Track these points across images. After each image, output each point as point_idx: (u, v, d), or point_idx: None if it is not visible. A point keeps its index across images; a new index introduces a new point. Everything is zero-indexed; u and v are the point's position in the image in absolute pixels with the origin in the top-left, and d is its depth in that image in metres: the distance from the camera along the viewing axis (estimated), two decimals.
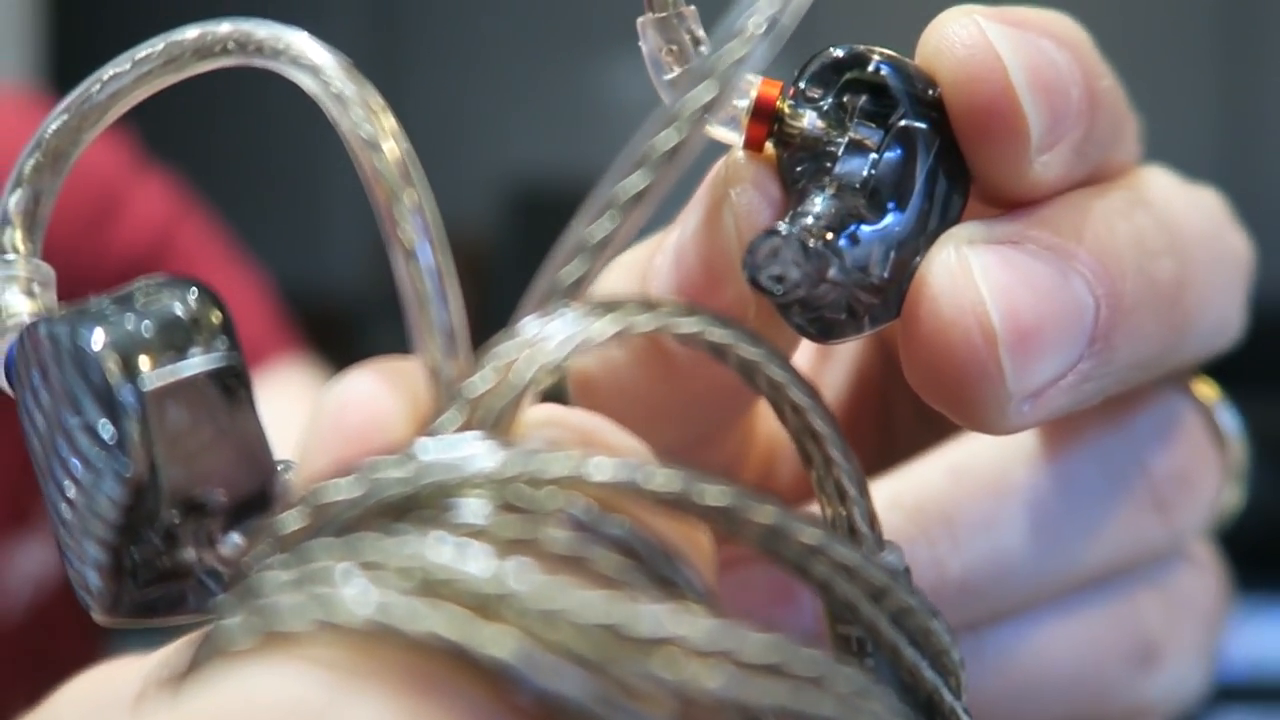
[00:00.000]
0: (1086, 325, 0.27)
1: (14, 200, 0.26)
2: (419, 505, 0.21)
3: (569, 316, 0.23)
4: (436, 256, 0.23)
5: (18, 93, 1.06)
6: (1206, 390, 0.34)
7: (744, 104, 0.27)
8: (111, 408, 0.22)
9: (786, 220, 0.26)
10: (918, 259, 0.27)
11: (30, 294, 0.25)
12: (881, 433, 0.36)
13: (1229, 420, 0.34)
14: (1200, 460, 0.33)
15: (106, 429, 0.22)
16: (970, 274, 0.26)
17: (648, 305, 0.24)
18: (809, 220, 0.26)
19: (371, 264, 2.94)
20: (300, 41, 0.24)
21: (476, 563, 0.19)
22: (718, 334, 0.24)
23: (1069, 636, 0.32)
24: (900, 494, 0.32)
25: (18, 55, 2.14)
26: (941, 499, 0.32)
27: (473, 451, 0.21)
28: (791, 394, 0.25)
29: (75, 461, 0.22)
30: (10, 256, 0.25)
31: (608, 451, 0.21)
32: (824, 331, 0.27)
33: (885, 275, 0.27)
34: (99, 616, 0.23)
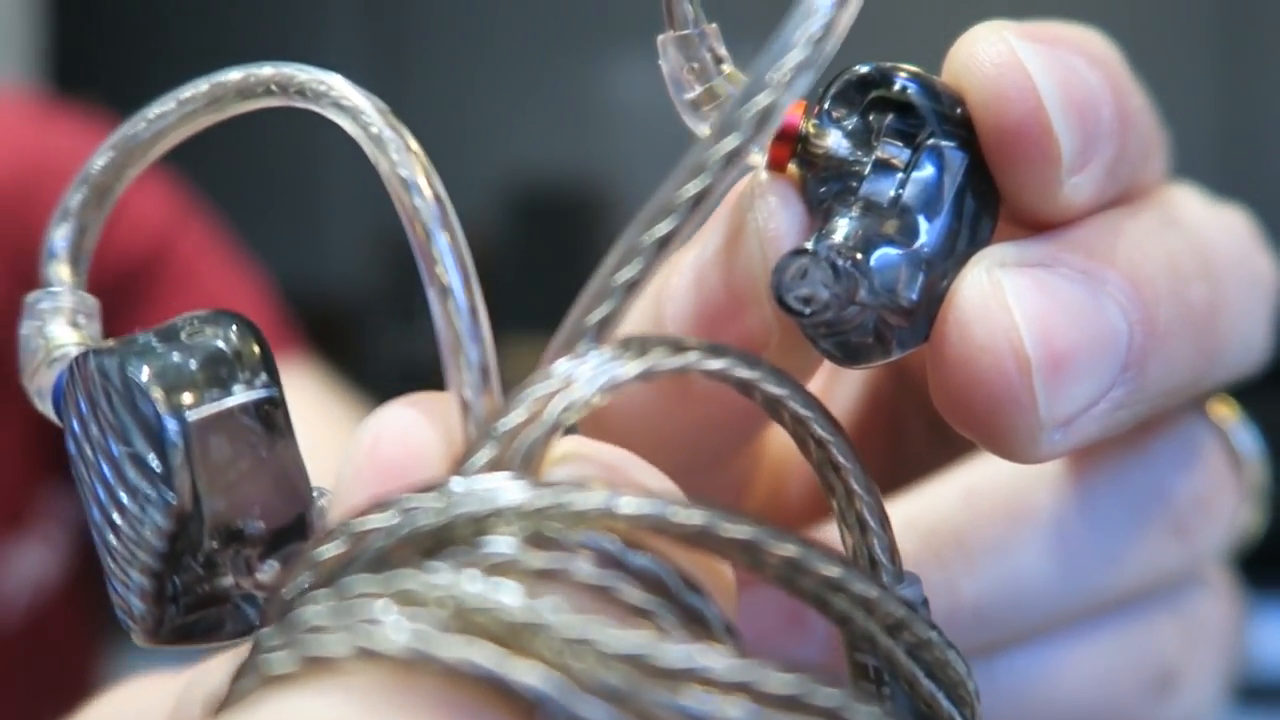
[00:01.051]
0: (1120, 351, 0.26)
1: (60, 234, 0.27)
2: (451, 538, 0.21)
3: (597, 358, 0.24)
4: (471, 296, 0.24)
5: (18, 93, 1.06)
6: (1224, 410, 0.34)
7: (757, 147, 0.26)
8: (158, 440, 0.23)
9: (813, 240, 0.26)
10: (946, 281, 0.26)
11: (75, 325, 0.26)
12: (892, 450, 0.36)
13: (1247, 441, 0.34)
14: (1220, 484, 0.33)
15: (153, 460, 0.23)
16: (1003, 297, 0.26)
17: (676, 346, 0.24)
18: (837, 240, 0.26)
19: (371, 264, 2.95)
20: (340, 85, 0.25)
21: (508, 595, 0.20)
22: (744, 373, 0.25)
23: (1085, 663, 0.32)
24: (914, 516, 0.31)
25: (19, 55, 2.15)
26: (956, 522, 0.31)
27: (504, 486, 0.22)
28: (815, 429, 0.25)
29: (122, 492, 0.23)
30: (57, 289, 0.26)
31: (634, 486, 0.22)
32: (851, 356, 0.27)
33: (914, 298, 0.26)
34: (140, 640, 0.24)
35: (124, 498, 0.23)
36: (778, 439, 0.34)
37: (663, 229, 0.25)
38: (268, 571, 0.24)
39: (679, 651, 0.20)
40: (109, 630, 0.96)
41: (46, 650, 0.87)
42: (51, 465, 0.86)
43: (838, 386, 0.36)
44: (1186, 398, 0.31)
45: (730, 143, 0.25)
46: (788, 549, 0.23)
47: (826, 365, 0.35)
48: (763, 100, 0.25)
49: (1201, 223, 0.30)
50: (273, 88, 0.25)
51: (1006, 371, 0.25)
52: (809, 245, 0.25)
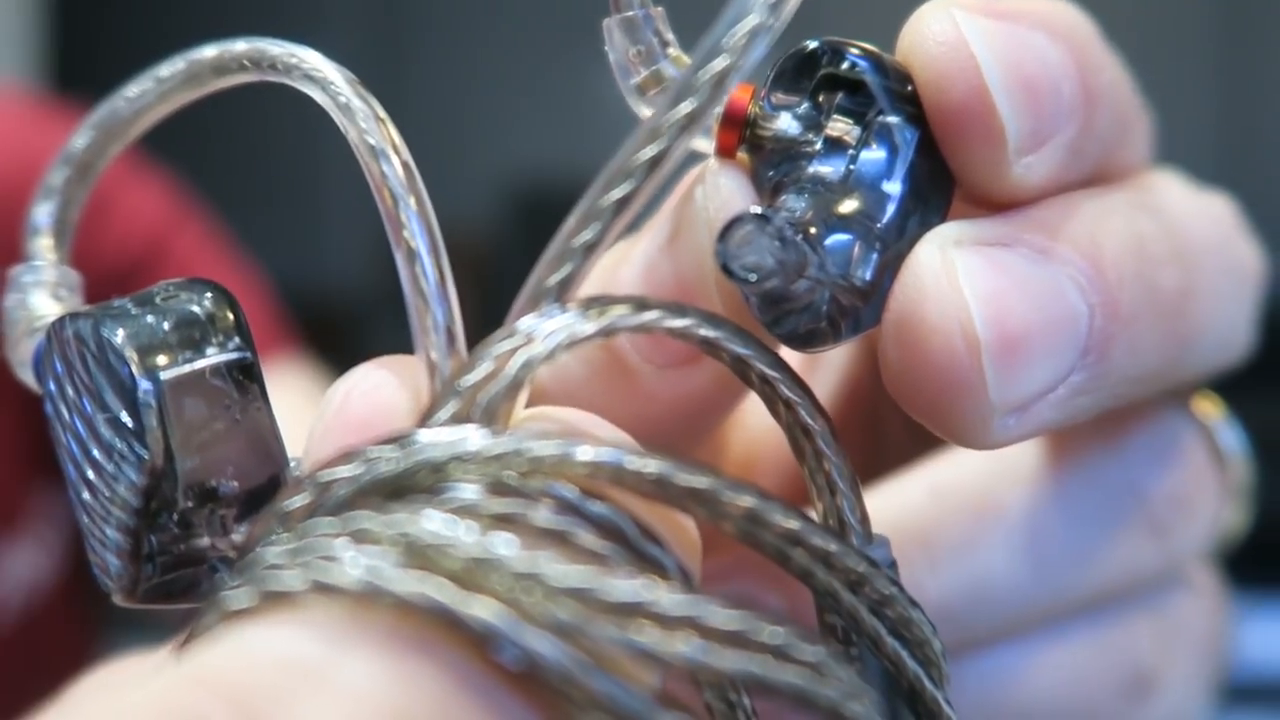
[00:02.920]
0: (1079, 335, 0.26)
1: (44, 211, 0.28)
2: (412, 486, 0.22)
3: (560, 315, 0.24)
4: (437, 259, 0.24)
5: (21, 92, 1.07)
6: (1208, 408, 0.33)
7: (715, 110, 0.26)
8: (131, 399, 0.24)
9: (761, 209, 0.25)
10: (901, 260, 0.26)
11: (57, 298, 0.27)
12: (870, 444, 0.36)
13: (1231, 439, 0.33)
14: (1200, 483, 0.32)
15: (127, 419, 0.24)
16: (955, 276, 0.25)
17: (638, 305, 0.25)
18: (785, 214, 0.25)
19: (370, 264, 2.95)
20: (311, 58, 0.25)
21: (463, 533, 0.20)
22: (709, 331, 0.25)
23: (1056, 666, 0.31)
24: (879, 513, 0.30)
25: (21, 55, 2.17)
26: (920, 519, 0.31)
27: (464, 435, 0.22)
28: (783, 390, 0.26)
29: (97, 450, 0.24)
30: (39, 262, 0.27)
31: (593, 440, 0.23)
32: (803, 339, 0.26)
33: (868, 277, 0.25)
34: (118, 599, 0.25)
35: (99, 455, 0.24)
36: (743, 435, 0.34)
37: (620, 192, 0.25)
38: (242, 532, 0.25)
39: (626, 586, 0.20)
40: (103, 631, 0.97)
41: (40, 652, 0.87)
42: (44, 466, 0.86)
43: (814, 379, 0.35)
44: (1158, 387, 0.30)
45: (686, 107, 0.25)
46: (745, 500, 0.23)
47: (802, 362, 0.35)
48: (719, 65, 0.25)
49: (1177, 206, 0.29)
50: (246, 63, 0.26)
51: (955, 353, 0.25)
52: (755, 209, 0.25)
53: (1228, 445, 0.33)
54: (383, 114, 0.25)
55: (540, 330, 0.24)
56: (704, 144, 0.27)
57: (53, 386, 0.25)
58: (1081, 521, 0.31)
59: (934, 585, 0.30)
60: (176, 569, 0.25)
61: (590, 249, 0.25)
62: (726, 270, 0.24)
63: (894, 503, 0.31)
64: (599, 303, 0.25)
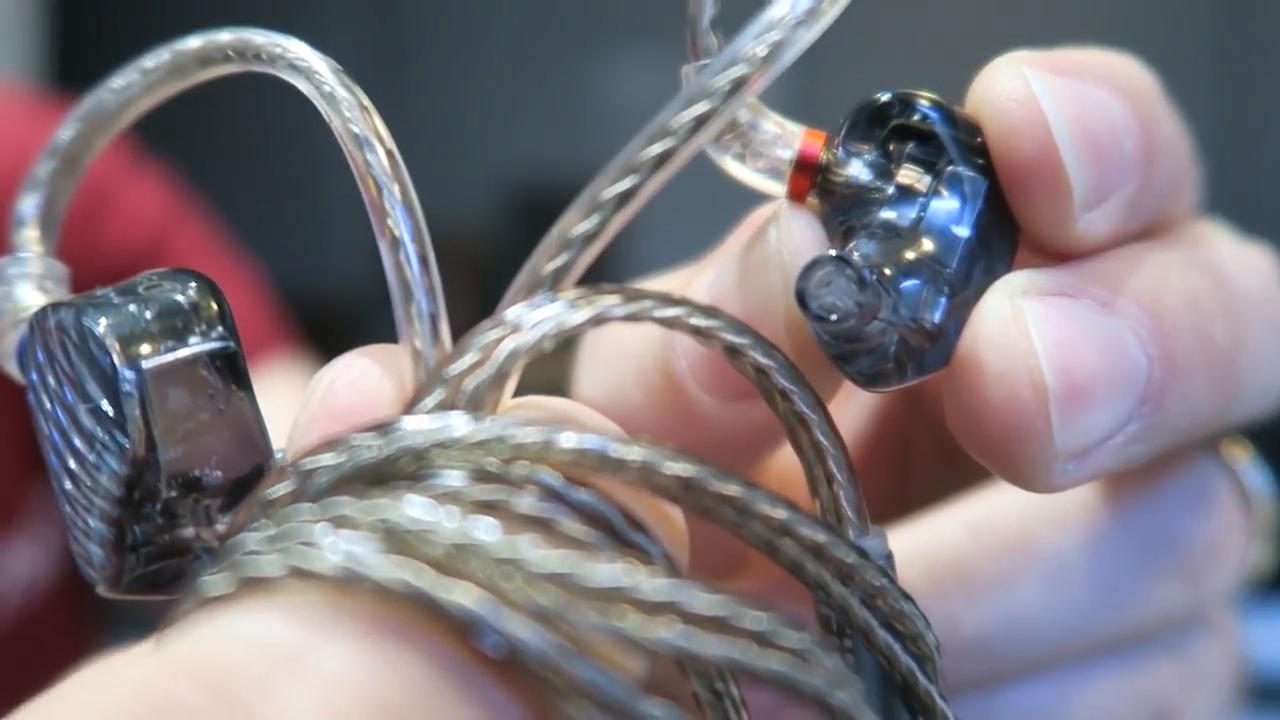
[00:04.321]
0: (1139, 385, 0.26)
1: (30, 202, 0.27)
2: (395, 473, 0.22)
3: (549, 305, 0.24)
4: (421, 247, 0.24)
5: (20, 90, 1.08)
6: (1236, 451, 0.33)
7: (787, 155, 0.27)
8: (113, 388, 0.23)
9: (839, 251, 0.26)
10: (967, 307, 0.26)
11: (43, 290, 0.27)
12: (900, 473, 0.36)
13: (1258, 480, 0.33)
14: (1230, 528, 0.32)
15: (108, 408, 0.23)
16: (1024, 324, 0.26)
17: (629, 295, 0.25)
18: (861, 257, 0.26)
19: (369, 264, 2.96)
20: (296, 47, 0.25)
21: (444, 519, 0.20)
22: (701, 320, 0.25)
23: (1083, 702, 0.32)
24: (917, 547, 0.31)
25: (21, 53, 2.18)
26: (959, 554, 0.31)
27: (447, 423, 0.22)
28: (778, 380, 0.26)
29: (79, 439, 0.24)
30: (25, 254, 0.27)
31: (578, 427, 0.23)
32: (871, 378, 0.27)
33: (938, 320, 0.26)
34: (103, 589, 0.25)
35: (80, 445, 0.24)
36: (778, 470, 0.34)
37: (623, 186, 0.25)
38: (227, 523, 0.25)
39: (607, 571, 0.20)
40: (102, 629, 0.97)
41: (39, 649, 0.87)
42: (43, 464, 0.86)
43: (848, 407, 0.36)
44: (1203, 435, 0.30)
45: (699, 109, 0.25)
46: (731, 488, 0.23)
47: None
48: (736, 71, 0.25)
49: (1227, 261, 0.30)
50: (231, 53, 0.26)
51: (1023, 399, 0.25)
52: (834, 252, 0.25)
53: (1254, 487, 0.33)
54: (367, 103, 0.25)
55: (528, 319, 0.24)
56: (775, 186, 0.27)
57: (35, 376, 0.25)
58: (1116, 564, 0.31)
59: (970, 620, 0.31)
60: (161, 559, 0.25)
61: (589, 240, 0.25)
62: (805, 307, 0.25)
63: (932, 537, 0.32)
64: (589, 292, 0.24)
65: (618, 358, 0.30)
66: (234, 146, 3.15)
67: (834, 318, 0.25)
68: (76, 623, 0.93)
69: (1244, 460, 0.33)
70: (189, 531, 0.25)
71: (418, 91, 3.20)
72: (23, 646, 0.87)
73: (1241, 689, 0.34)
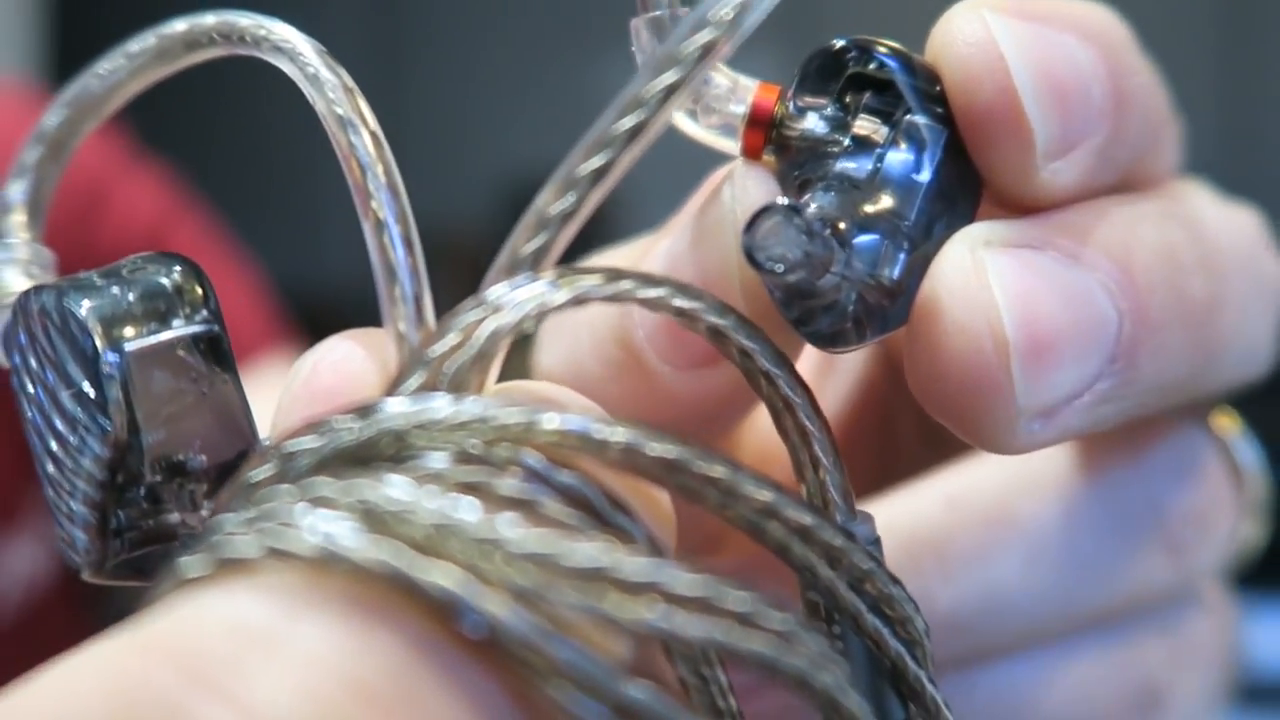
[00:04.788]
0: (1108, 340, 0.25)
1: (17, 188, 0.27)
2: (376, 455, 0.22)
3: (530, 285, 0.24)
4: (405, 229, 0.24)
5: (21, 89, 1.08)
6: (1226, 423, 0.33)
7: (740, 110, 0.26)
8: (95, 370, 0.23)
9: (788, 201, 0.24)
10: (928, 262, 0.25)
11: (30, 275, 0.27)
12: (884, 449, 0.35)
13: (1248, 454, 0.33)
14: (1217, 500, 0.31)
15: (89, 390, 0.23)
16: (985, 277, 0.25)
17: (610, 275, 0.24)
18: (813, 208, 0.25)
19: (367, 261, 2.96)
20: (280, 29, 0.25)
21: (423, 499, 0.20)
22: (683, 302, 0.25)
23: (1066, 680, 0.31)
24: (893, 521, 0.30)
25: (21, 53, 2.18)
26: (934, 528, 0.30)
27: (429, 404, 0.22)
28: (762, 362, 0.25)
29: (61, 422, 0.24)
30: (12, 240, 0.27)
31: (560, 408, 0.22)
32: (830, 338, 0.26)
33: (896, 275, 0.25)
34: (86, 574, 0.25)
35: (62, 428, 0.24)
36: (752, 445, 0.34)
37: (597, 161, 0.25)
38: (211, 508, 0.25)
39: (587, 551, 0.20)
40: (102, 627, 0.97)
41: (39, 646, 0.87)
42: None
43: (828, 381, 0.35)
44: (1182, 398, 0.29)
45: (668, 78, 0.25)
46: (716, 470, 0.23)
47: (816, 363, 0.35)
48: (703, 37, 0.25)
49: (1206, 217, 0.29)
50: (215, 36, 0.26)
51: (984, 354, 0.25)
52: (784, 201, 0.24)
53: (1245, 461, 0.33)
54: (351, 84, 0.25)
55: (510, 300, 0.24)
56: (728, 144, 0.26)
57: (17, 359, 0.25)
58: (1098, 536, 0.31)
59: (947, 595, 0.30)
60: (146, 544, 0.25)
61: (567, 218, 0.25)
62: (752, 260, 0.24)
63: (908, 511, 0.31)
64: (570, 272, 0.24)
65: (574, 330, 0.29)
66: (231, 144, 3.15)
67: (781, 269, 0.24)
68: (77, 620, 0.93)
69: (1233, 433, 0.33)
70: (174, 517, 0.25)
71: (417, 91, 3.20)
72: (23, 644, 0.87)
73: (1235, 676, 0.34)
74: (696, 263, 0.27)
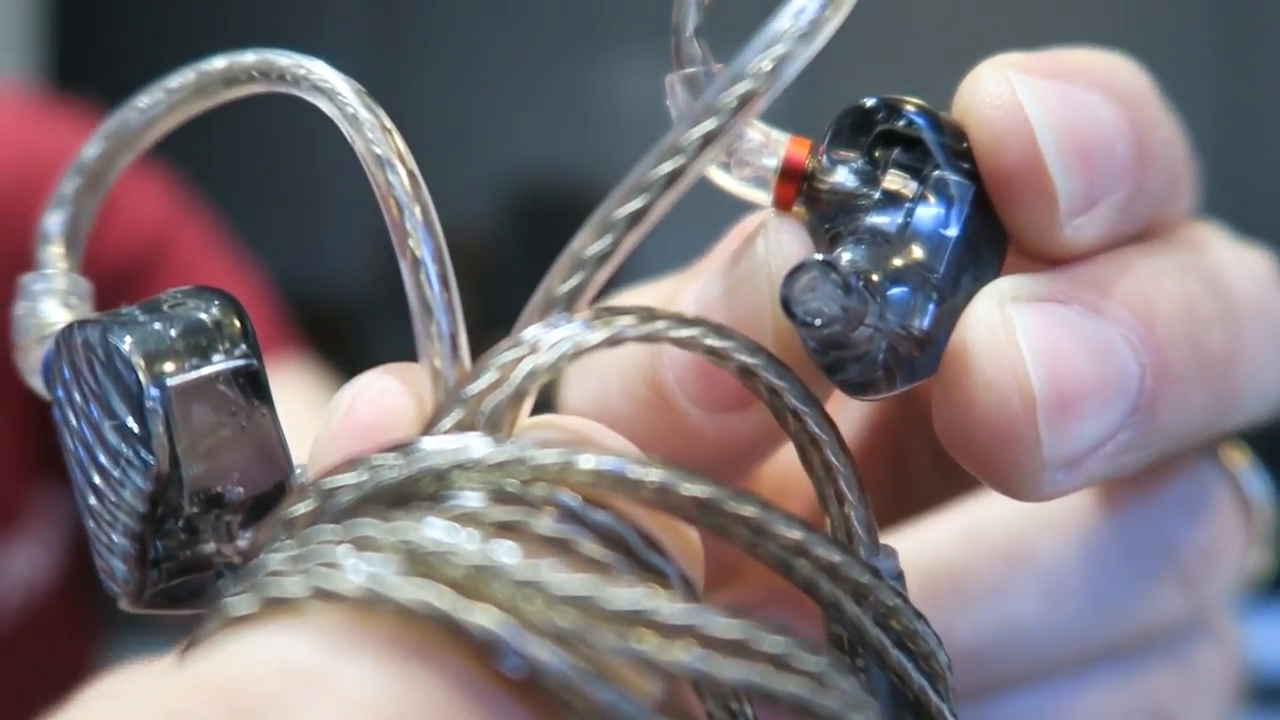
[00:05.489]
0: (1130, 393, 0.26)
1: (56, 220, 0.28)
2: (415, 493, 0.22)
3: (566, 325, 0.24)
4: (442, 268, 0.25)
5: (18, 90, 1.08)
6: (1235, 454, 0.33)
7: (773, 163, 0.27)
8: (138, 405, 0.24)
9: (824, 256, 0.25)
10: (956, 313, 0.26)
11: (68, 306, 0.27)
12: (896, 477, 0.36)
13: (1257, 485, 0.33)
14: (1228, 534, 0.32)
15: (133, 425, 0.24)
16: (1012, 332, 0.25)
17: (645, 315, 0.25)
18: (846, 262, 0.25)
19: (371, 265, 2.96)
20: (319, 69, 0.26)
21: (465, 541, 0.21)
22: (715, 341, 0.25)
23: (1079, 710, 0.32)
24: (911, 554, 0.30)
25: (22, 54, 2.18)
26: (953, 562, 0.31)
27: (467, 443, 0.22)
28: (790, 400, 0.26)
29: (103, 455, 0.24)
30: (50, 270, 0.27)
31: (596, 448, 0.23)
32: (860, 386, 0.26)
33: (926, 326, 0.26)
34: (125, 604, 0.25)
35: (105, 461, 0.24)
36: (773, 468, 0.34)
37: (635, 205, 0.25)
38: (248, 539, 0.25)
39: (626, 595, 0.20)
40: (103, 631, 0.97)
41: (40, 651, 0.87)
42: (45, 466, 0.86)
43: (842, 412, 0.35)
44: (1198, 443, 0.30)
45: (707, 126, 0.25)
46: (747, 509, 0.23)
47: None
48: (742, 88, 0.25)
49: (1224, 266, 0.29)
50: (255, 74, 0.26)
51: (1011, 408, 0.25)
52: (821, 257, 0.25)
53: (1254, 492, 0.33)
54: (389, 124, 0.25)
55: (545, 339, 0.24)
56: (759, 196, 0.27)
57: (61, 393, 0.25)
58: (1112, 571, 0.31)
59: (965, 627, 0.31)
60: (182, 574, 0.25)
61: (602, 260, 0.25)
62: (790, 313, 0.25)
63: (927, 543, 0.31)
64: (605, 313, 0.25)
65: (602, 369, 0.30)
66: (235, 148, 3.16)
67: (819, 323, 0.25)
68: (77, 624, 0.93)
69: (1242, 464, 0.33)
70: (210, 547, 0.25)
71: (418, 92, 3.20)
72: (23, 648, 0.87)
73: (1241, 692, 0.34)
74: (729, 311, 0.27)
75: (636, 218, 0.25)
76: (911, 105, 0.27)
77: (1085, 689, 0.32)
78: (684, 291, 0.28)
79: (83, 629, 0.94)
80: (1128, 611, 0.31)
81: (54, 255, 0.28)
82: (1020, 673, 0.31)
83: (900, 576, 0.27)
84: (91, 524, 0.25)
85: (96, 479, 0.24)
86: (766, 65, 0.25)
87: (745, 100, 0.25)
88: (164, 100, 0.27)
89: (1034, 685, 0.32)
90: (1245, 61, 2.95)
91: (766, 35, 0.25)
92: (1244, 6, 2.97)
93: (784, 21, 0.25)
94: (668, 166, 0.25)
